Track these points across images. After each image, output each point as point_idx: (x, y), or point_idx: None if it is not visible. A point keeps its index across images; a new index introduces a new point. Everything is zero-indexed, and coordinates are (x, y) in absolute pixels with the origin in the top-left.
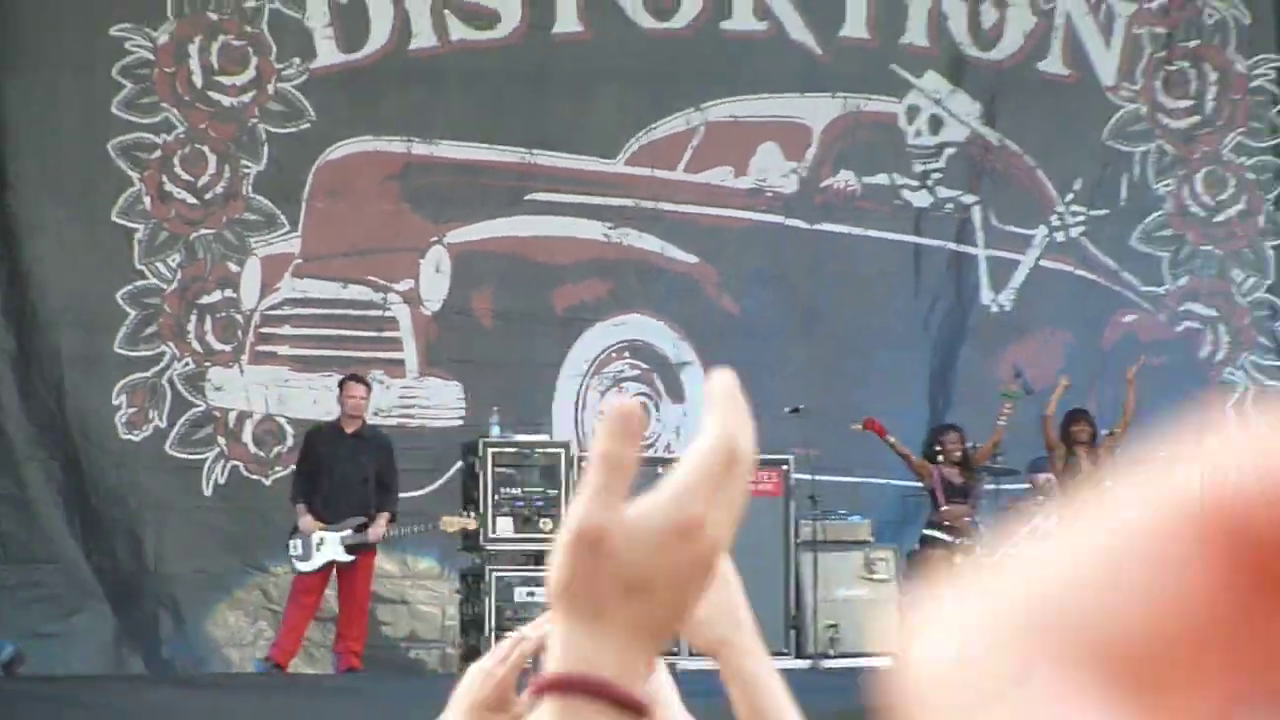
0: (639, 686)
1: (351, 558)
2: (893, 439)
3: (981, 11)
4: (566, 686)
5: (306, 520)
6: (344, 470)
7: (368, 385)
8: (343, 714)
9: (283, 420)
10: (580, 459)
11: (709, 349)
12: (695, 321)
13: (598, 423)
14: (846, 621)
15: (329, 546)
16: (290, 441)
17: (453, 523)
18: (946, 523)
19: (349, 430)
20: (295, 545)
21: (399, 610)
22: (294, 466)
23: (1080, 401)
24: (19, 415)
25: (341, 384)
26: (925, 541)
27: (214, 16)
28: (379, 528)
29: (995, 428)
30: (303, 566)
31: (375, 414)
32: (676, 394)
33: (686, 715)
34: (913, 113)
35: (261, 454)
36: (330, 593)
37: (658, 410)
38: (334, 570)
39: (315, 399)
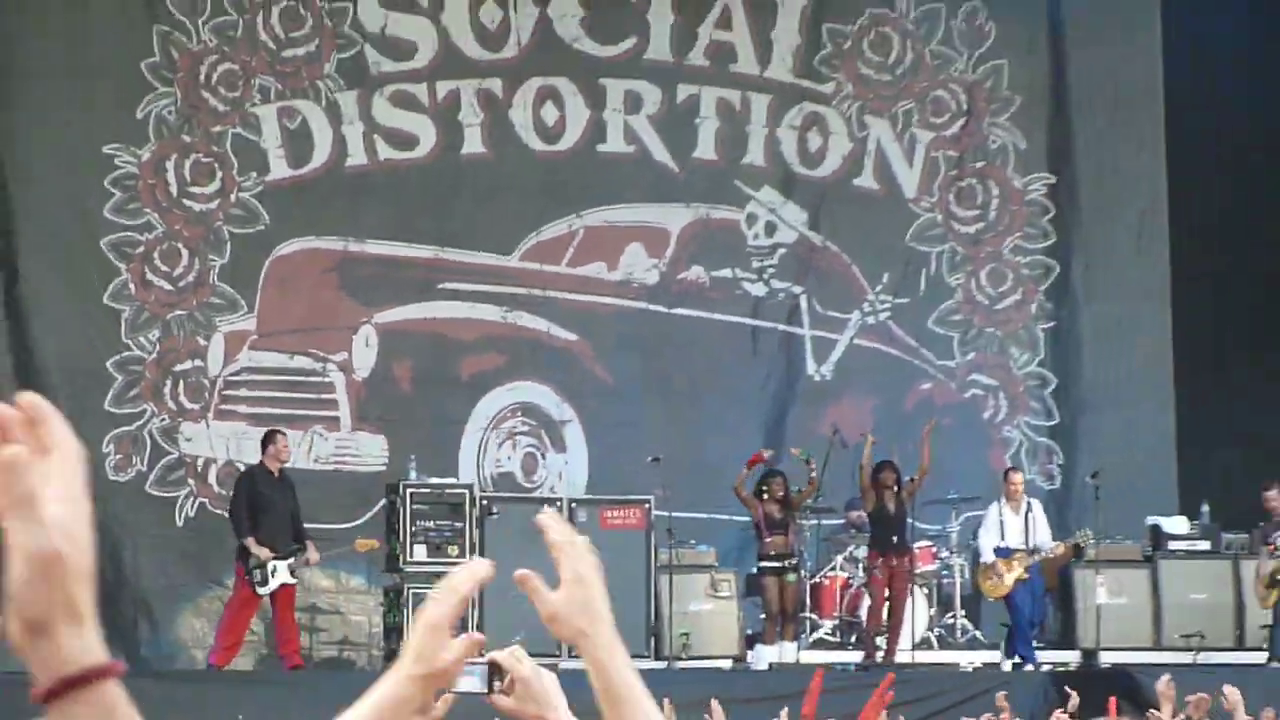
0: None
1: (296, 580)
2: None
3: (808, 138)
4: None
5: (265, 551)
6: (277, 507)
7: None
8: (290, 701)
9: (240, 466)
10: (480, 498)
11: (586, 409)
12: (575, 387)
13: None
14: (695, 630)
15: (281, 573)
16: None
17: (364, 544)
18: (772, 552)
19: (276, 474)
20: (257, 574)
21: (334, 619)
22: (233, 505)
23: (886, 454)
24: None
25: (274, 436)
26: (761, 570)
27: (187, 139)
28: (314, 554)
29: (810, 479)
30: (263, 591)
31: (315, 461)
32: (559, 445)
33: (572, 718)
34: (752, 219)
35: (223, 492)
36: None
37: (544, 459)
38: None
39: None
